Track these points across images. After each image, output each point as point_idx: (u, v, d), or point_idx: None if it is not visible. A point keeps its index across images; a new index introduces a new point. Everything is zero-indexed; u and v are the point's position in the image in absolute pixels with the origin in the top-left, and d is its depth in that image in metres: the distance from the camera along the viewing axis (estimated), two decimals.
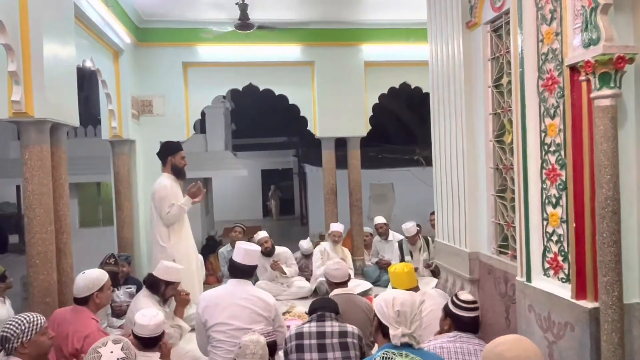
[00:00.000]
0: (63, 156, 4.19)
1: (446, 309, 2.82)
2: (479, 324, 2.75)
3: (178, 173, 5.08)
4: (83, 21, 4.90)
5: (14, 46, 3.56)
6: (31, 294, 3.84)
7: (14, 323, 2.48)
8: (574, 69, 2.51)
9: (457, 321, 2.72)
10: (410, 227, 6.23)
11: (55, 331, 3.19)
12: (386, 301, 2.35)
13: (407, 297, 2.39)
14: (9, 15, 3.52)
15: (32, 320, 2.52)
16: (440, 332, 2.95)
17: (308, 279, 6.42)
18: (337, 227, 6.48)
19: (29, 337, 2.47)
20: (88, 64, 5.31)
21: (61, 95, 4.06)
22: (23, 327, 2.47)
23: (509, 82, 3.46)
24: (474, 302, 2.77)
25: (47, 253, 3.84)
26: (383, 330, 2.34)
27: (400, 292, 2.50)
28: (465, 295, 2.79)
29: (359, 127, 7.45)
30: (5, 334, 2.46)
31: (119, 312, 4.85)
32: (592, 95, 2.37)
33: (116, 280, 5.15)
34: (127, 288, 5.10)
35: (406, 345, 2.24)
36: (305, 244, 6.80)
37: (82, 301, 3.30)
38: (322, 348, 2.96)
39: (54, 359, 3.20)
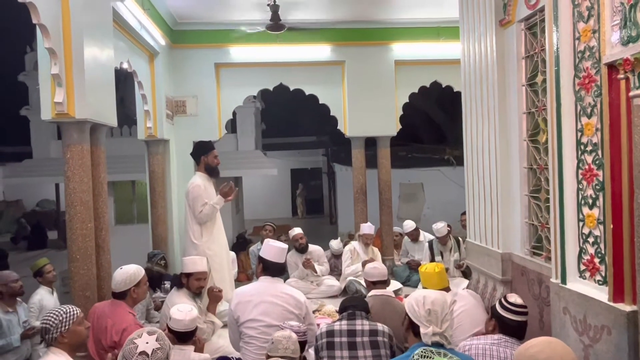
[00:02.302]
0: (102, 155, 4.34)
1: (493, 309, 2.79)
2: (525, 330, 2.69)
3: (211, 172, 5.21)
4: (121, 25, 5.05)
5: (57, 50, 3.71)
6: (72, 288, 3.99)
7: (51, 315, 2.60)
8: (612, 67, 2.46)
9: (503, 323, 2.68)
10: (441, 227, 6.18)
11: (94, 324, 3.32)
12: (417, 300, 2.36)
13: (438, 296, 2.38)
14: (52, 20, 3.67)
15: (68, 311, 2.63)
16: (485, 332, 2.92)
17: (338, 279, 6.44)
18: (367, 229, 6.47)
19: (67, 327, 2.58)
20: (125, 66, 5.46)
21: (100, 97, 4.21)
22: (61, 318, 2.58)
23: (544, 81, 3.41)
24: (523, 306, 2.71)
25: (87, 249, 3.98)
26: (414, 329, 2.35)
27: (431, 291, 2.49)
28: (515, 298, 2.75)
29: (389, 126, 7.43)
30: (45, 325, 2.58)
31: (155, 306, 5.01)
32: (631, 93, 2.32)
33: (161, 282, 5.32)
34: (162, 284, 5.25)
35: (437, 345, 2.24)
36: (335, 244, 6.83)
37: (120, 295, 3.41)
38: (352, 346, 2.98)
39: (94, 351, 3.33)
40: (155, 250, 5.87)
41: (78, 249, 3.95)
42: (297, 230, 6.49)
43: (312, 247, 6.50)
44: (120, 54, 5.10)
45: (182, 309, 3.10)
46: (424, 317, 2.28)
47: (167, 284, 5.15)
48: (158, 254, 5.50)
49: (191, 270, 4.07)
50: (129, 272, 3.42)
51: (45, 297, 4.57)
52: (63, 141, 4.00)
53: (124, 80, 11.85)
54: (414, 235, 6.95)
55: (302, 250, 6.35)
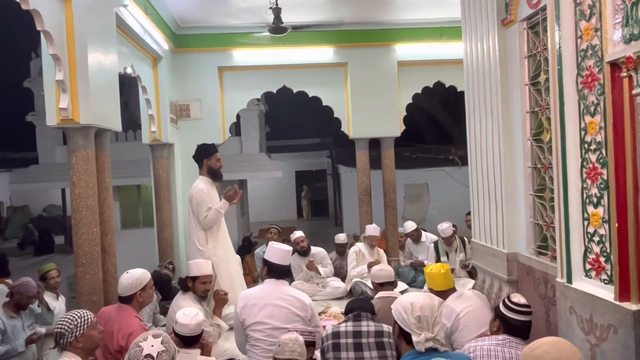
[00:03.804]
0: (107, 160, 4.36)
1: (497, 310, 2.78)
2: (530, 329, 2.68)
3: (214, 175, 5.14)
4: (124, 30, 5.08)
5: (61, 56, 3.74)
6: (79, 293, 4.00)
7: (66, 319, 2.61)
8: (614, 65, 2.45)
9: (507, 324, 2.66)
10: (446, 227, 6.16)
11: None
12: (405, 308, 2.28)
13: (427, 300, 2.32)
14: (56, 27, 3.69)
15: (82, 315, 2.65)
16: (490, 333, 2.91)
17: (343, 280, 6.44)
18: (373, 231, 6.46)
19: (81, 332, 2.60)
20: (129, 71, 5.49)
21: (105, 102, 4.23)
22: (76, 322, 2.59)
23: (547, 80, 3.40)
24: (526, 306, 2.70)
25: (93, 253, 4.00)
26: (406, 337, 2.28)
27: (418, 295, 2.40)
28: (518, 298, 2.73)
29: (393, 127, 7.43)
30: (59, 330, 2.58)
31: (163, 310, 5.05)
32: (634, 91, 2.31)
33: (169, 286, 5.35)
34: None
35: (431, 350, 2.21)
36: (342, 237, 6.90)
37: (126, 300, 3.42)
38: (358, 347, 2.98)
39: (101, 356, 3.34)
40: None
41: (84, 254, 3.97)
42: (297, 234, 6.49)
43: (315, 250, 6.50)
44: (123, 59, 5.12)
45: (187, 313, 3.10)
46: (415, 324, 2.22)
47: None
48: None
49: (197, 273, 4.08)
50: (134, 276, 3.43)
51: (49, 304, 4.57)
52: (68, 147, 4.03)
53: (128, 85, 11.93)
54: (415, 236, 6.95)
55: (304, 253, 6.35)
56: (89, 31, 3.93)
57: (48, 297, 4.65)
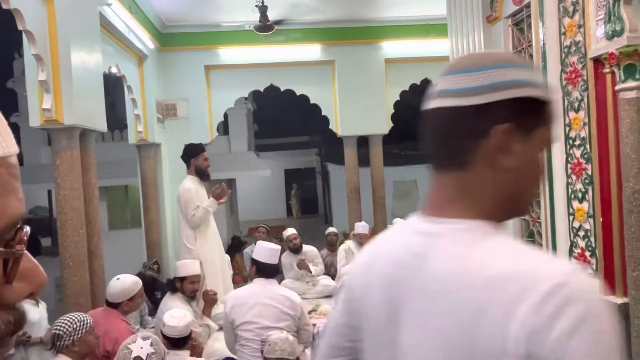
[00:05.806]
0: (92, 161, 4.31)
1: None
2: None
3: (202, 175, 5.13)
4: (108, 29, 5.02)
5: (44, 56, 3.69)
6: (65, 295, 3.96)
7: (65, 322, 2.58)
8: (597, 61, 2.47)
9: None
10: None
11: None
12: None
13: None
14: (38, 26, 3.64)
15: (82, 319, 2.63)
16: None
17: (333, 277, 6.44)
18: (362, 228, 6.47)
19: (79, 336, 2.57)
20: (114, 70, 5.44)
21: (89, 102, 4.18)
22: (75, 326, 2.56)
23: None
24: None
25: (80, 255, 3.96)
26: None
27: None
28: None
29: (381, 124, 7.44)
30: (57, 332, 2.55)
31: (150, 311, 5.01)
32: (617, 87, 2.33)
33: (155, 286, 5.31)
34: (154, 295, 5.26)
35: None
36: (332, 228, 6.97)
37: (113, 305, 3.39)
38: None
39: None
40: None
41: (70, 256, 3.92)
42: (290, 231, 6.49)
43: (307, 248, 6.49)
44: (108, 59, 5.07)
45: (175, 314, 3.08)
46: None
47: (159, 294, 5.15)
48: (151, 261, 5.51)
49: (184, 274, 4.06)
50: (124, 286, 3.38)
51: (28, 310, 4.49)
52: (52, 148, 3.98)
53: (114, 85, 11.79)
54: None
55: (296, 250, 6.34)
56: (72, 31, 3.88)
57: (27, 303, 4.57)
